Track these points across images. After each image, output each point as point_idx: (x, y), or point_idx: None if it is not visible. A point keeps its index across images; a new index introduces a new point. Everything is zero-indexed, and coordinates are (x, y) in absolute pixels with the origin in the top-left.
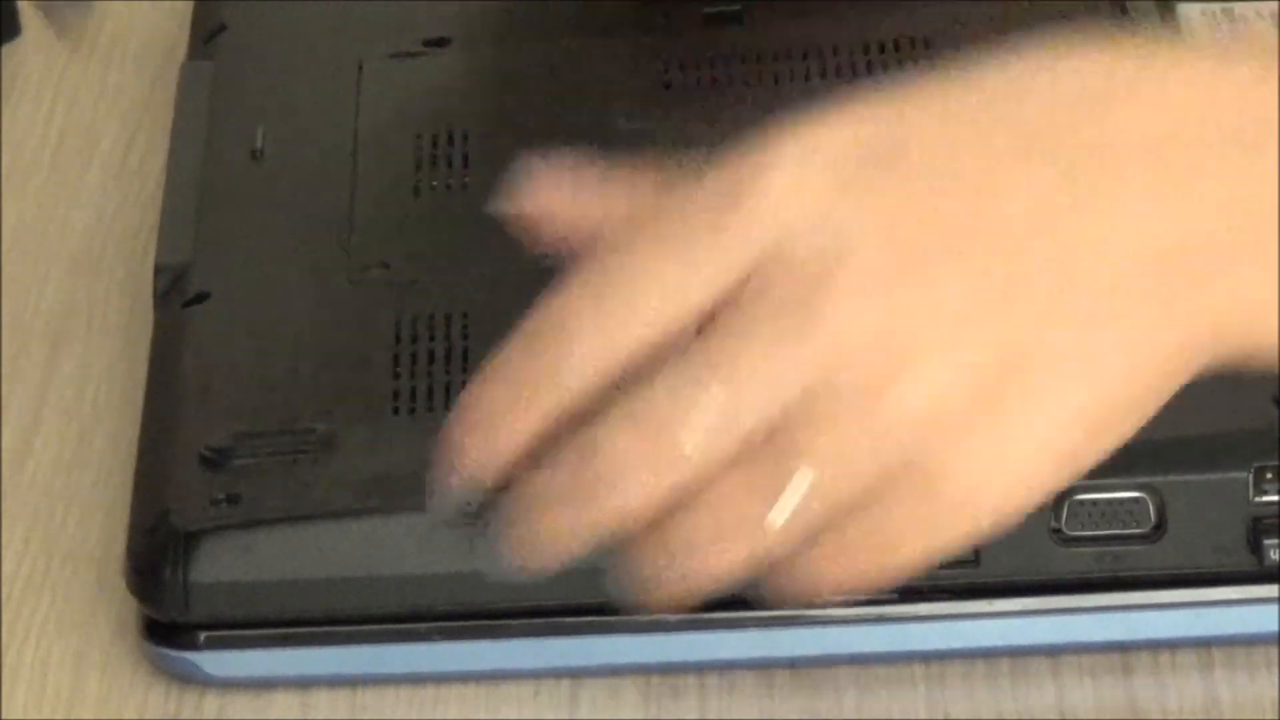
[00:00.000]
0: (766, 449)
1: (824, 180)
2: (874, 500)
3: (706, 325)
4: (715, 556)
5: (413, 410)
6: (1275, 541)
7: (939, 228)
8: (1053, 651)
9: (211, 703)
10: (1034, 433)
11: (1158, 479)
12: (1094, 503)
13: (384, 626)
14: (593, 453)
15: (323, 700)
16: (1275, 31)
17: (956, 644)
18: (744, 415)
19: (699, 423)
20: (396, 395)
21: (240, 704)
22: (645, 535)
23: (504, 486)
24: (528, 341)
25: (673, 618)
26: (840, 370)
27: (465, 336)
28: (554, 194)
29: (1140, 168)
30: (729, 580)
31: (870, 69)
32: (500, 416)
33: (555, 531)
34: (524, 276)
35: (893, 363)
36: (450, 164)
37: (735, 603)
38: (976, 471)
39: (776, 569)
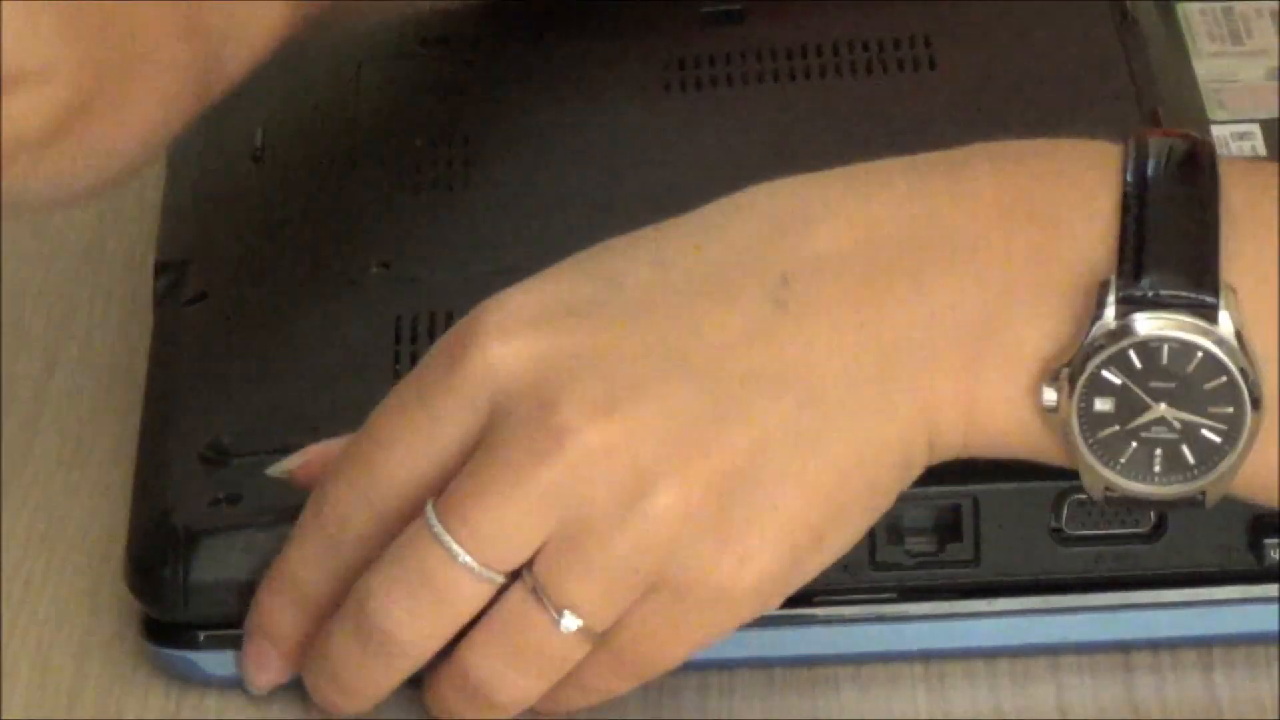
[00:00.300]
0: (530, 601)
1: (531, 332)
2: (634, 612)
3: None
4: (503, 690)
5: None
6: (1275, 541)
7: (647, 358)
8: (1053, 651)
9: (211, 702)
10: (769, 529)
11: None
12: (1094, 502)
13: None
14: (362, 610)
15: None
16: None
17: (957, 643)
18: (500, 558)
19: (459, 573)
20: None
21: (240, 703)
22: (435, 673)
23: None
24: (305, 521)
25: None
26: (580, 499)
27: None
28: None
29: (833, 283)
30: (520, 706)
31: (870, 67)
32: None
33: (351, 689)
34: (522, 276)
35: (630, 484)
36: (450, 164)
37: None
38: (722, 571)
39: (556, 689)
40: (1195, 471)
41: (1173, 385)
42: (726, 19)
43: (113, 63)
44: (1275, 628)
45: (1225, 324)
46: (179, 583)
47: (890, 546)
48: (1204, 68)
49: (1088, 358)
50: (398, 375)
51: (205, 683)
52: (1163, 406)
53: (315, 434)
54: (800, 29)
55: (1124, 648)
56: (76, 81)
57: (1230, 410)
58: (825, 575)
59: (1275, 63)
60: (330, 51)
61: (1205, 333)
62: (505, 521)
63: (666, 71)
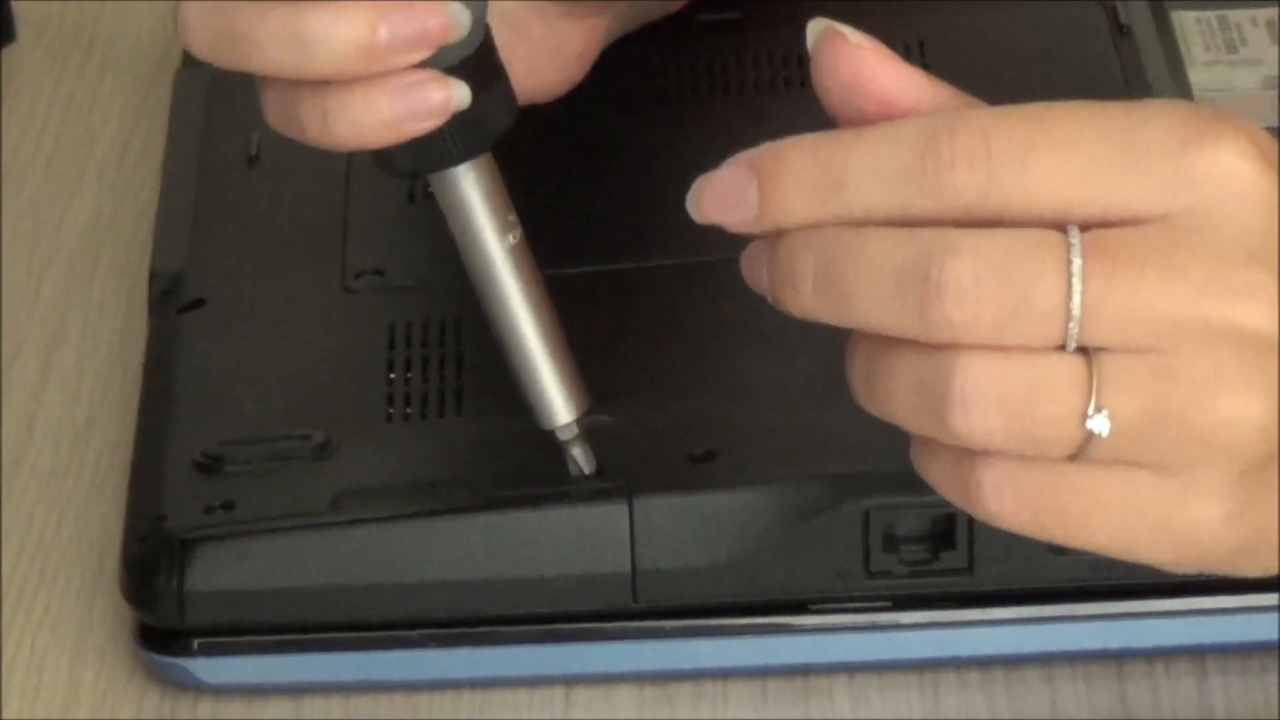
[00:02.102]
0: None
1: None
2: None
3: None
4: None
5: (407, 416)
6: None
7: None
8: (1047, 659)
9: (205, 708)
10: None
11: None
12: None
13: (378, 634)
14: (925, 253)
15: (316, 706)
16: None
17: (951, 652)
18: (1092, 333)
19: (1053, 311)
20: (390, 401)
21: (234, 710)
22: None
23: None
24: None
25: (668, 625)
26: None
27: (459, 342)
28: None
29: None
30: None
31: None
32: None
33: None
34: None
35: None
36: None
37: (730, 609)
38: None
39: None
40: None
41: None
42: (724, 29)
43: None
44: (1271, 636)
45: None
46: (173, 590)
47: (885, 555)
48: (1198, 76)
49: None
50: (391, 383)
51: (199, 689)
52: None
53: (309, 441)
54: (798, 38)
55: (1119, 656)
56: None
57: None
58: (819, 583)
59: (1272, 71)
60: None
61: None
62: (1138, 309)
63: (664, 80)
